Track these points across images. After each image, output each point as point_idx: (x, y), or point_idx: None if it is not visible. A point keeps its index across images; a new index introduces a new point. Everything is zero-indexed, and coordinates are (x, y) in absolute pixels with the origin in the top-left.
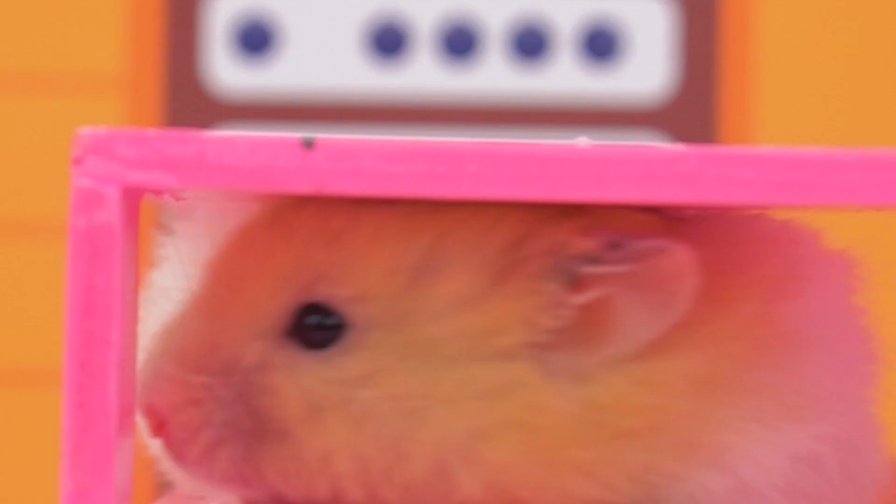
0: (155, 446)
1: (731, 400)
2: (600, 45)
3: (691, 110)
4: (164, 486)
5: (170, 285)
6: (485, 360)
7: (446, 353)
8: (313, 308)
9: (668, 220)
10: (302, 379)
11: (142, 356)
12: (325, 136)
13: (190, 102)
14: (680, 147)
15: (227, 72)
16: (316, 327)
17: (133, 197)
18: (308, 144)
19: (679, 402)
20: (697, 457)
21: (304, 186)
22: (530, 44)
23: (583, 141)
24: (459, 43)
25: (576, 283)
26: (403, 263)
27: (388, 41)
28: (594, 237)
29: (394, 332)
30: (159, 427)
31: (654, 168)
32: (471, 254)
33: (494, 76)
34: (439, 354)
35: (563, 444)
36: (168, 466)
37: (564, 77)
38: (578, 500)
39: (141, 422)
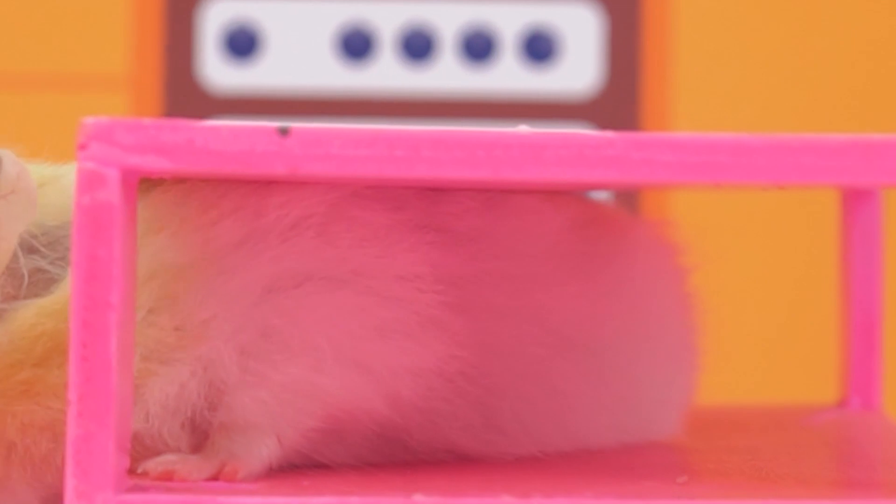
0: None
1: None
2: (538, 48)
3: (617, 103)
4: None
5: None
6: None
7: None
8: None
9: None
10: None
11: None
12: (299, 124)
13: (185, 98)
14: (608, 133)
15: (217, 71)
16: None
17: (131, 178)
18: (283, 132)
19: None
20: None
21: (280, 168)
22: (478, 47)
23: (523, 128)
24: (417, 46)
25: None
26: None
27: (356, 45)
28: None
29: None
30: None
31: (585, 151)
32: None
33: (447, 75)
34: None
35: (4, 374)
36: None
37: (507, 75)
38: (28, 423)
39: None
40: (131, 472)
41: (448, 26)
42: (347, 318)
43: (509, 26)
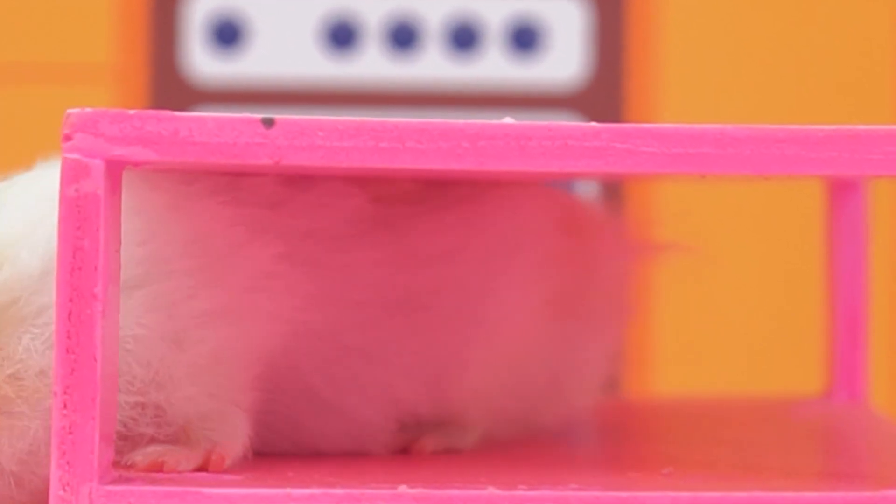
0: None
1: None
2: (524, 38)
3: (603, 94)
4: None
5: None
6: None
7: None
8: None
9: None
10: None
11: None
12: (283, 115)
13: (171, 89)
14: (593, 124)
15: (203, 62)
16: None
17: (116, 169)
18: (268, 123)
19: None
20: None
21: (265, 159)
22: (464, 37)
23: (508, 121)
24: (403, 37)
25: None
26: None
27: (342, 35)
28: None
29: None
30: None
31: (570, 142)
32: None
33: (433, 65)
34: None
35: None
36: None
37: (493, 66)
38: None
39: None
40: (116, 463)
41: (434, 17)
42: (189, 301)
43: (495, 17)
